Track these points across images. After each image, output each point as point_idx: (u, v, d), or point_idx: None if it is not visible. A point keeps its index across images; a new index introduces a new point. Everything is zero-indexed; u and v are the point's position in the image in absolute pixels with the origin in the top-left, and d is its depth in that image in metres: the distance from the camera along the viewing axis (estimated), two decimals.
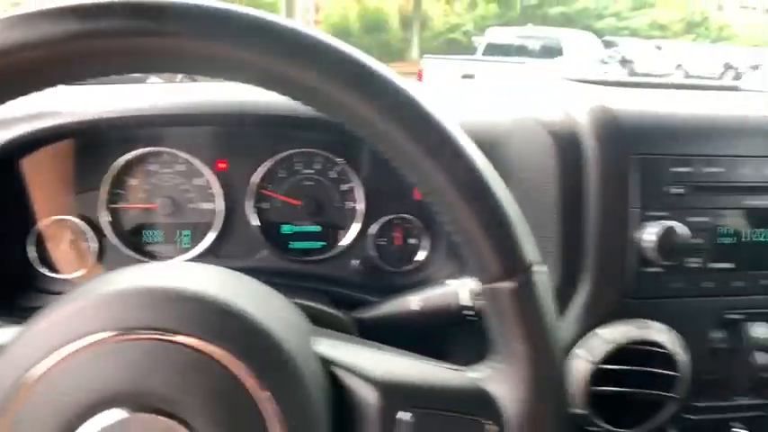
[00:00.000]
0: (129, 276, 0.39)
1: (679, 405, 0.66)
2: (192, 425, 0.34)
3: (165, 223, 0.77)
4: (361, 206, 0.79)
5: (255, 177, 0.77)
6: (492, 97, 0.79)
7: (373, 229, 0.79)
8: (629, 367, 0.61)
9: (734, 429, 0.79)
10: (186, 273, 0.41)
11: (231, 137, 0.77)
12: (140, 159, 0.76)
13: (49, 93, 0.36)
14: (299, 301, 0.65)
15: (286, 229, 0.80)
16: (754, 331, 0.66)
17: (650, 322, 0.63)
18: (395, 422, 0.42)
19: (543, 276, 0.43)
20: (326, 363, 0.43)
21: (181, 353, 0.34)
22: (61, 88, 0.58)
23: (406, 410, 0.42)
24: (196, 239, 0.78)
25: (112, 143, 0.75)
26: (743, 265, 0.63)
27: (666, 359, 0.63)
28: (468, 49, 11.62)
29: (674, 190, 0.61)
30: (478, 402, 0.44)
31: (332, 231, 0.80)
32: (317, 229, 0.80)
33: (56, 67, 0.34)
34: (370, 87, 0.37)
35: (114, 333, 0.34)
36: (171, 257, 0.77)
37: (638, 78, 0.94)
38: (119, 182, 0.76)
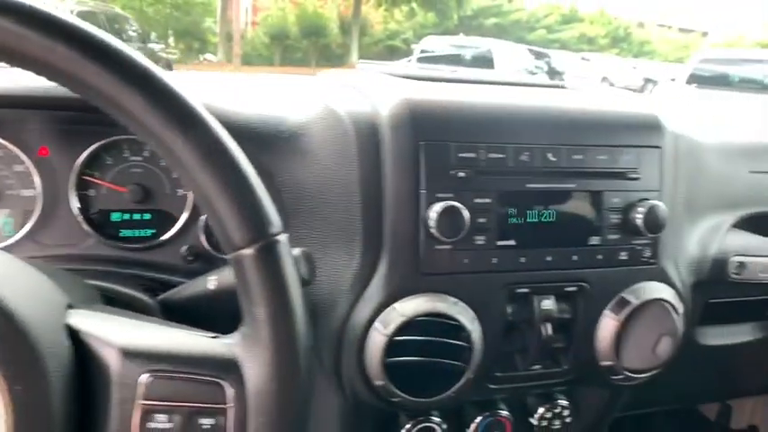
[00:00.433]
0: None
1: (475, 374, 0.71)
2: None
3: None
4: (191, 194, 0.80)
5: (78, 164, 0.76)
6: (303, 90, 0.83)
7: (203, 216, 0.80)
8: (417, 337, 0.66)
9: (559, 400, 0.86)
10: None
11: (54, 122, 0.76)
12: None
13: None
14: (98, 284, 0.66)
15: (116, 216, 0.80)
16: (543, 304, 0.72)
17: (442, 296, 0.67)
18: (136, 385, 0.43)
19: (283, 244, 0.46)
20: (74, 333, 0.45)
21: None
22: None
23: (145, 373, 0.44)
24: (17, 227, 0.76)
25: None
26: (525, 242, 0.70)
27: (460, 331, 0.68)
28: (408, 56, 11.83)
29: (460, 174, 0.66)
30: (222, 366, 0.46)
31: (163, 219, 0.81)
32: (148, 216, 0.81)
33: None
34: (109, 62, 0.39)
35: None
36: None
37: (457, 75, 1.00)
38: None
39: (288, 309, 0.46)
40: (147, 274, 0.78)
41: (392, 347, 0.66)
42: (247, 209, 0.44)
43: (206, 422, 0.44)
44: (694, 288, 0.85)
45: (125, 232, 0.80)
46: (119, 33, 9.73)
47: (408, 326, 0.66)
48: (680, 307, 0.77)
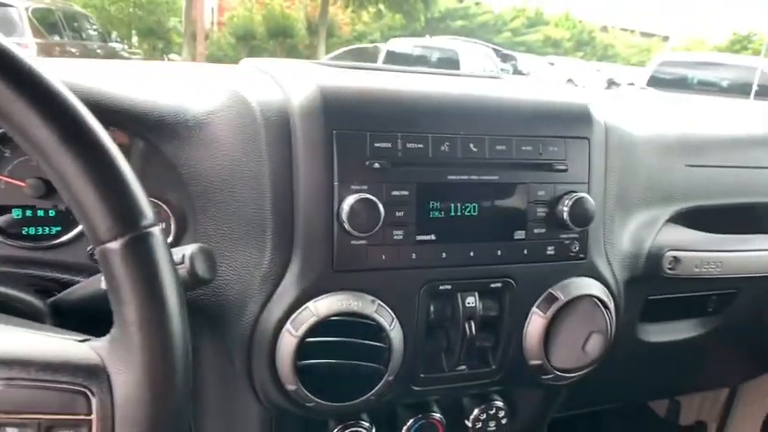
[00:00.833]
0: None
1: (397, 376, 0.67)
2: None
3: None
4: None
5: None
6: (214, 77, 0.78)
7: None
8: (330, 338, 0.62)
9: (494, 401, 0.83)
10: None
11: None
12: None
13: None
14: None
15: (17, 213, 0.74)
16: (466, 302, 0.69)
17: (359, 294, 0.63)
18: None
19: (155, 237, 0.42)
20: None
21: None
22: None
23: None
24: None
25: None
26: (446, 237, 0.66)
27: (377, 331, 0.64)
28: (375, 58, 11.82)
29: (375, 165, 0.62)
30: (86, 372, 0.41)
31: (68, 216, 0.75)
32: (53, 213, 0.75)
33: None
34: None
35: None
36: None
37: (386, 66, 0.96)
38: None
39: (160, 308, 0.41)
40: (51, 275, 0.72)
41: (304, 349, 0.62)
42: (113, 197, 0.40)
43: None
44: (631, 284, 0.83)
45: (28, 230, 0.74)
46: (78, 32, 9.42)
47: (321, 326, 0.62)
48: (611, 303, 0.75)
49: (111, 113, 0.64)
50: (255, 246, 0.64)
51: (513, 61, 13.09)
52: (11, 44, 0.38)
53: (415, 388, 0.72)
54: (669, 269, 0.84)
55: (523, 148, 0.68)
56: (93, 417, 0.40)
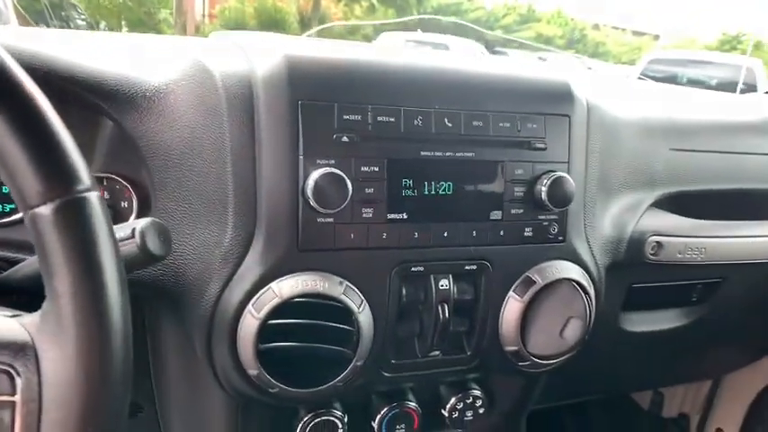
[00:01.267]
0: None
1: (366, 362, 0.64)
2: None
3: None
4: None
5: None
6: (179, 48, 0.74)
7: None
8: (294, 320, 0.58)
9: (472, 390, 0.80)
10: None
11: None
12: None
13: None
14: None
15: None
16: (440, 284, 0.66)
17: (326, 275, 0.60)
18: None
19: (91, 203, 0.38)
20: None
21: None
22: None
23: None
24: None
25: None
26: (419, 216, 0.63)
27: (345, 314, 0.61)
28: None
29: (343, 138, 0.59)
30: (12, 350, 0.38)
31: None
32: (6, 189, 0.71)
33: None
34: None
35: None
36: None
37: (363, 43, 0.92)
38: None
39: (95, 279, 0.38)
40: (5, 254, 0.68)
41: (266, 332, 0.58)
42: (44, 158, 0.36)
43: None
44: (613, 270, 0.80)
45: None
46: (65, 21, 9.27)
47: (285, 308, 0.58)
48: (590, 288, 0.72)
49: (61, 80, 0.60)
50: (216, 223, 0.61)
51: (503, 56, 13.08)
52: None
53: (387, 374, 0.69)
54: (652, 255, 0.82)
55: (501, 124, 0.65)
56: (18, 398, 0.37)
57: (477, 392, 0.80)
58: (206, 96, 0.61)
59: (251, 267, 0.59)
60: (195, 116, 0.61)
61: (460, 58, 0.71)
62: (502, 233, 0.67)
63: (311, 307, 0.59)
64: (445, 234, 0.64)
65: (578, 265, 0.72)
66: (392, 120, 0.61)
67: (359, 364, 0.63)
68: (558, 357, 0.71)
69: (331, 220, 0.60)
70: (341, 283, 0.61)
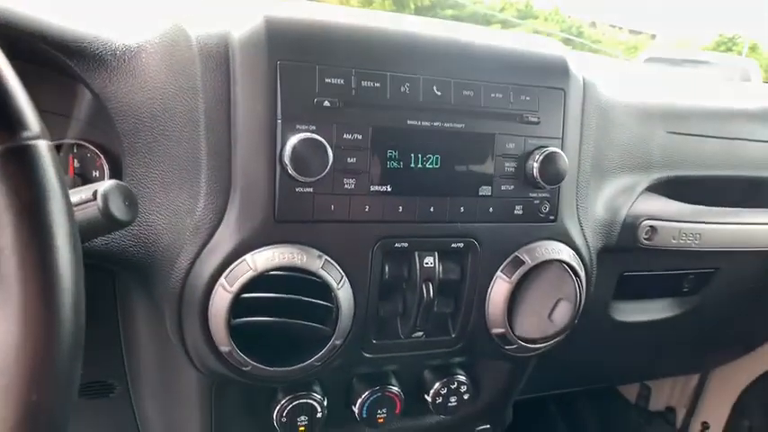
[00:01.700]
0: None
1: (345, 341, 0.61)
2: None
3: None
4: None
5: None
6: (154, 6, 0.70)
7: None
8: (269, 294, 0.55)
9: (457, 375, 0.78)
10: None
11: None
12: None
13: None
14: None
15: None
16: (424, 262, 0.63)
17: (304, 248, 0.57)
18: None
19: (38, 150, 0.35)
20: None
21: None
22: None
23: None
24: None
25: None
26: (404, 189, 0.60)
27: (324, 290, 0.58)
28: None
29: (325, 102, 0.56)
30: None
31: None
32: None
33: None
34: None
35: None
36: None
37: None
38: None
39: (41, 233, 0.34)
40: None
41: (239, 307, 0.55)
42: None
43: None
44: (604, 256, 0.78)
45: None
46: None
47: (260, 282, 0.55)
48: (581, 271, 0.69)
49: (28, 36, 0.56)
50: (188, 191, 0.57)
51: None
52: None
53: (367, 355, 0.66)
54: (645, 239, 0.79)
55: (493, 95, 0.62)
56: None
57: (462, 378, 0.77)
58: (179, 56, 0.57)
59: (224, 238, 0.56)
60: (167, 77, 0.57)
61: (452, 26, 0.68)
62: (491, 210, 0.64)
63: (288, 281, 0.56)
64: (431, 209, 0.61)
65: (569, 246, 0.69)
66: (377, 85, 0.58)
67: (337, 343, 0.60)
68: (546, 341, 0.68)
69: (310, 190, 0.56)
70: (320, 257, 0.57)
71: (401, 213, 0.60)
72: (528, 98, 0.63)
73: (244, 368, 0.58)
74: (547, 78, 0.65)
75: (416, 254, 0.62)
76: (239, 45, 0.55)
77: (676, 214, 0.82)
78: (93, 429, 0.87)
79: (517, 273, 0.65)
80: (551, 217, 0.67)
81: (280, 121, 0.55)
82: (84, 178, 0.70)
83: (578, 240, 0.70)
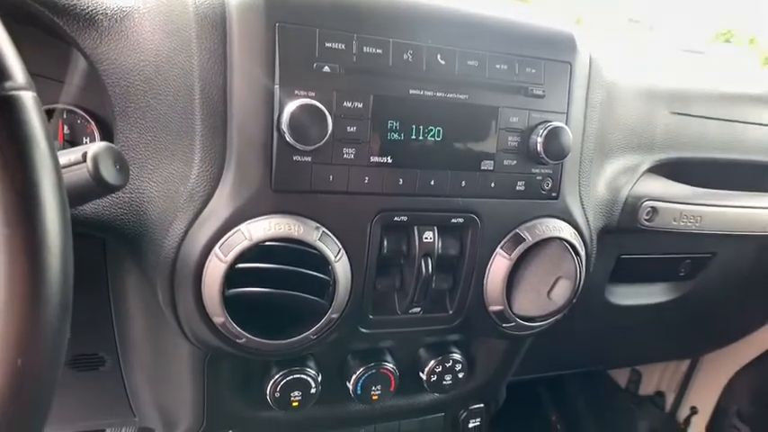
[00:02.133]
0: None
1: (341, 315, 0.60)
2: None
3: None
4: None
5: None
6: None
7: None
8: (265, 265, 0.54)
9: (452, 353, 0.77)
10: None
11: None
12: None
13: None
14: None
15: None
16: (424, 237, 0.61)
17: (301, 219, 0.56)
18: None
19: (22, 102, 0.33)
20: None
21: None
22: None
23: None
24: None
25: None
26: (405, 161, 0.58)
27: (321, 263, 0.56)
28: None
29: (325, 68, 0.54)
30: None
31: None
32: None
33: None
34: None
35: None
36: None
37: None
38: None
39: (24, 185, 0.32)
40: None
41: (234, 277, 0.54)
42: None
43: None
44: (603, 238, 0.77)
45: None
46: None
47: (255, 252, 0.54)
48: (581, 250, 0.68)
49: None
50: (182, 158, 0.56)
51: None
52: None
53: (364, 330, 0.65)
54: (646, 220, 0.78)
55: (497, 66, 0.60)
56: None
57: (457, 356, 0.76)
58: (173, 17, 0.55)
59: (219, 207, 0.54)
60: (161, 38, 0.55)
61: None
62: (492, 185, 0.62)
63: (284, 253, 0.54)
64: (432, 183, 0.60)
65: (570, 224, 0.68)
66: (379, 52, 0.56)
67: (334, 316, 0.59)
68: (544, 319, 0.68)
69: (308, 159, 0.55)
70: (317, 228, 0.56)
71: (401, 186, 0.59)
72: (533, 71, 0.62)
73: (238, 340, 0.57)
74: (553, 51, 0.63)
75: (416, 228, 0.61)
76: (236, 6, 0.53)
77: (678, 196, 0.81)
78: (83, 403, 0.85)
79: (517, 250, 0.64)
80: (553, 194, 0.66)
81: (278, 85, 0.53)
82: (73, 145, 0.68)
83: (579, 219, 0.69)
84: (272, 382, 0.68)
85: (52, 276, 0.33)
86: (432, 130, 0.59)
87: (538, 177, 0.64)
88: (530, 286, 0.65)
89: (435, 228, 0.62)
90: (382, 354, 0.75)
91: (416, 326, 0.67)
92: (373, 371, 0.73)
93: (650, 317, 1.03)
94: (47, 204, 0.33)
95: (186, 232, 0.55)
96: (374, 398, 0.73)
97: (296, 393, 0.69)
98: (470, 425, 0.89)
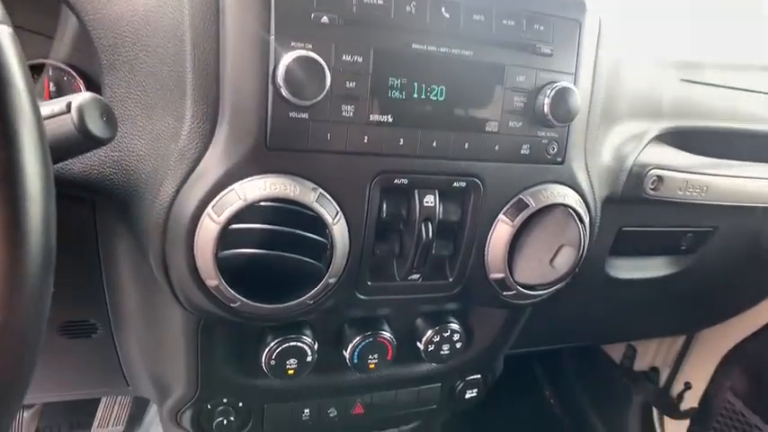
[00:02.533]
0: None
1: (339, 280, 0.58)
2: None
3: None
4: None
5: None
6: None
7: None
8: (260, 225, 0.52)
9: (451, 324, 0.76)
10: None
11: None
12: None
13: None
14: None
15: None
16: (424, 201, 0.59)
17: (297, 179, 0.53)
18: None
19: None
20: None
21: None
22: None
23: None
24: None
25: None
26: (406, 120, 0.56)
27: (318, 225, 0.54)
28: None
29: (323, 18, 0.51)
30: None
31: None
32: None
33: None
34: None
35: None
36: None
37: None
38: None
39: (3, 130, 0.30)
40: None
41: (227, 238, 0.51)
42: None
43: None
44: (606, 208, 0.75)
45: None
46: None
47: (249, 213, 0.51)
48: (585, 217, 0.66)
49: None
50: (172, 113, 0.53)
51: None
52: None
53: (361, 296, 0.63)
54: (651, 189, 0.76)
55: (504, 22, 0.57)
56: None
57: (455, 326, 0.75)
58: None
59: (211, 165, 0.52)
60: None
61: None
62: (497, 148, 0.60)
63: (279, 214, 0.52)
64: (434, 144, 0.58)
65: (575, 191, 0.66)
66: (380, 2, 0.53)
67: (331, 281, 0.57)
68: (546, 288, 0.66)
69: (305, 116, 0.52)
70: (314, 189, 0.54)
71: (402, 147, 0.56)
72: (542, 27, 0.59)
73: (232, 304, 0.55)
74: (562, 8, 0.61)
75: (416, 192, 0.59)
76: None
77: (684, 165, 0.80)
78: (76, 371, 0.84)
79: (520, 216, 0.62)
80: (559, 159, 0.64)
81: (273, 36, 0.50)
82: None
83: (585, 186, 0.67)
84: (267, 350, 0.67)
85: (33, 225, 0.31)
86: (435, 88, 0.56)
87: (543, 141, 0.62)
88: (532, 254, 0.63)
89: (436, 191, 0.60)
90: (380, 322, 0.73)
91: (415, 293, 0.65)
92: (370, 339, 0.71)
93: (649, 291, 1.01)
94: (25, 149, 0.31)
95: (177, 192, 0.53)
96: (371, 367, 0.72)
97: (292, 361, 0.68)
98: (467, 395, 0.88)
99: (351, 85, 0.53)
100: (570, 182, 0.65)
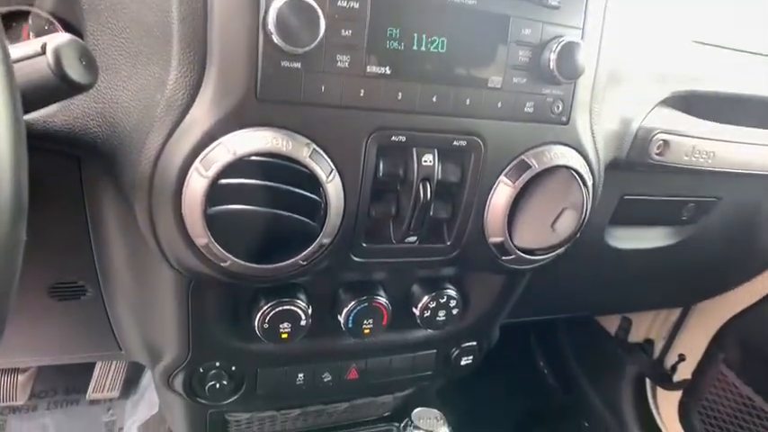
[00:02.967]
0: None
1: (333, 240, 0.56)
2: None
3: None
4: None
5: None
6: None
7: None
8: (251, 181, 0.49)
9: (447, 290, 0.74)
10: None
11: None
12: None
13: None
14: None
15: None
16: (423, 160, 0.57)
17: (289, 133, 0.51)
18: None
19: None
20: None
21: None
22: None
23: None
24: None
25: None
26: (405, 73, 0.53)
27: (312, 182, 0.52)
28: None
29: None
30: None
31: None
32: None
33: None
34: None
35: None
36: None
37: None
38: None
39: None
40: None
41: (216, 194, 0.49)
42: None
43: None
44: (609, 174, 0.72)
45: None
46: None
47: (239, 167, 0.49)
48: (589, 180, 0.64)
49: None
50: (158, 62, 0.50)
51: None
52: None
53: (356, 259, 0.61)
54: (657, 154, 0.74)
55: None
56: None
57: (452, 292, 0.74)
58: None
59: (199, 117, 0.49)
60: None
61: None
62: (499, 105, 0.57)
63: (271, 170, 0.50)
64: (433, 99, 0.55)
65: (579, 153, 0.63)
66: None
67: (325, 241, 0.55)
68: (546, 252, 0.64)
69: (298, 65, 0.49)
70: (308, 145, 0.51)
71: (400, 102, 0.54)
72: None
73: (222, 264, 0.53)
74: None
75: (414, 150, 0.56)
76: None
77: (691, 129, 0.77)
78: (67, 335, 0.83)
79: (522, 177, 0.60)
80: (563, 118, 0.61)
81: None
82: None
83: (589, 148, 0.65)
84: (260, 313, 0.65)
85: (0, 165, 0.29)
86: (435, 39, 0.53)
87: (548, 99, 0.59)
88: (533, 217, 0.61)
89: (435, 150, 0.57)
90: (375, 287, 0.72)
91: (411, 256, 0.63)
92: (365, 304, 0.70)
93: (648, 262, 1.00)
94: None
95: (164, 145, 0.50)
96: (366, 331, 0.71)
97: (285, 325, 0.66)
98: (462, 362, 0.87)
99: (346, 33, 0.50)
100: (574, 143, 0.63)
